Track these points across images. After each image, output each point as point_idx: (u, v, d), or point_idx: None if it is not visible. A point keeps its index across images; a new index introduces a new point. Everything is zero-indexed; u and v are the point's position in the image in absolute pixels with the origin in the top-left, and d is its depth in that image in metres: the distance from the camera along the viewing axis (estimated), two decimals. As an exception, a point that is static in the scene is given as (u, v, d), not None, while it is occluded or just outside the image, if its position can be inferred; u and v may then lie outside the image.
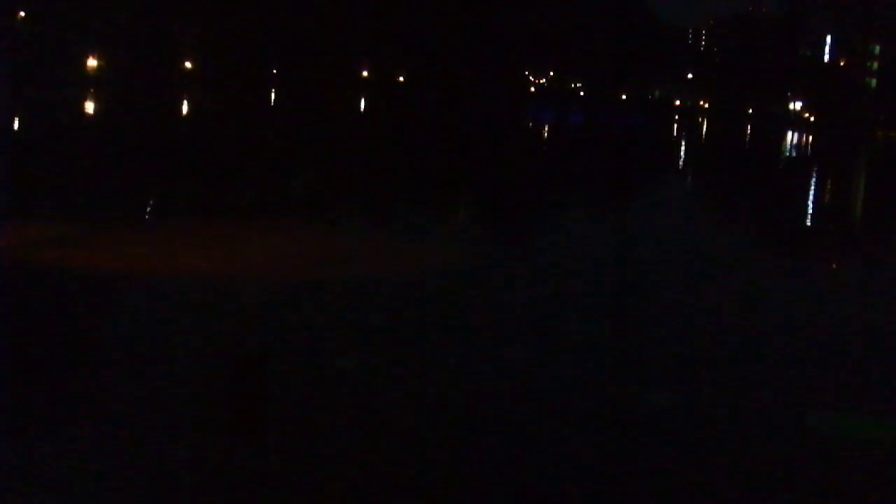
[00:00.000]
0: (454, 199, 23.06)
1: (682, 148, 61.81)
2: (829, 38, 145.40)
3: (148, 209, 17.69)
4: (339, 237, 15.49)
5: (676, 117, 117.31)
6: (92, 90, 54.64)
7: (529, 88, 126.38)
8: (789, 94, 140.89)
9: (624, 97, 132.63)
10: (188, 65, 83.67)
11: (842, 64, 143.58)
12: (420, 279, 12.32)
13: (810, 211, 28.14)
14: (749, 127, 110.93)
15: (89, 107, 46.58)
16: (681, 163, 47.00)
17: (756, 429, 7.65)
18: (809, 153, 69.90)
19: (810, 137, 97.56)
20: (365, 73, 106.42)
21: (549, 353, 9.23)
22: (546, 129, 66.99)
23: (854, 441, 7.60)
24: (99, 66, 70.65)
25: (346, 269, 12.45)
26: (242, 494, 5.82)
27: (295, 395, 7.52)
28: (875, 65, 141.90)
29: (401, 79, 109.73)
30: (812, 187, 38.60)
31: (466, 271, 13.11)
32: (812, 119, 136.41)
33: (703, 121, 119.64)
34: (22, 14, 67.47)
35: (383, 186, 24.02)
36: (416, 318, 10.29)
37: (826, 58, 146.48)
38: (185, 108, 52.23)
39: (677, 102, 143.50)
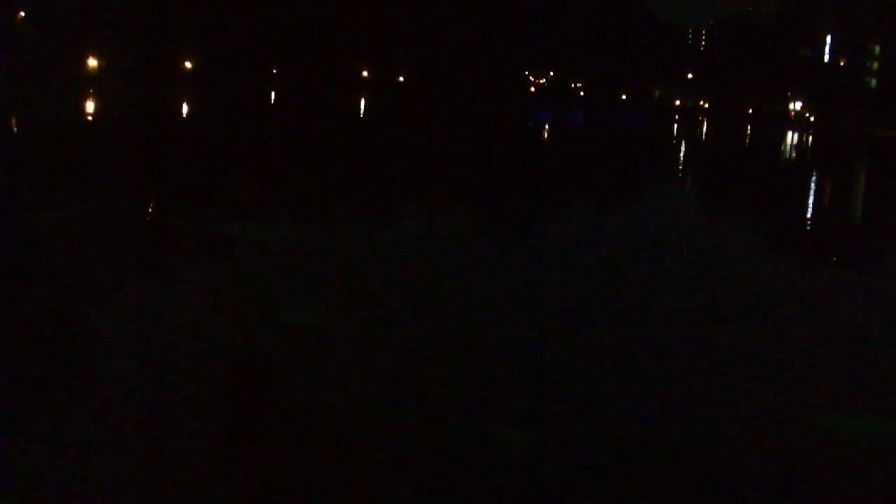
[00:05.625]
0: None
1: (682, 148, 61.78)
2: (829, 38, 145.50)
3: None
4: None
5: (676, 117, 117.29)
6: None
7: (529, 88, 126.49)
8: (789, 94, 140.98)
9: (624, 97, 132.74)
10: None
11: (842, 64, 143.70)
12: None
13: (810, 211, 28.14)
14: (749, 127, 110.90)
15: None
16: (680, 164, 46.96)
17: (757, 428, 7.65)
18: (809, 154, 69.86)
19: (810, 137, 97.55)
20: (365, 73, 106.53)
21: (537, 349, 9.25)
22: (546, 128, 66.98)
23: (854, 441, 7.61)
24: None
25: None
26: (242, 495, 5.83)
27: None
28: (875, 65, 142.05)
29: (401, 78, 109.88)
30: (812, 189, 38.60)
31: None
32: (812, 119, 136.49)
33: (703, 120, 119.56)
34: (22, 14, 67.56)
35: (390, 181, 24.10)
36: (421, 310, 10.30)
37: (826, 58, 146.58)
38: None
39: (677, 102, 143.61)
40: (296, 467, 6.27)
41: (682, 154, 54.59)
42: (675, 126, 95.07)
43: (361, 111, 66.96)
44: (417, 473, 6.32)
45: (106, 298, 10.15)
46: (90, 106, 46.16)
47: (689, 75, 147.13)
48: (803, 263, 17.43)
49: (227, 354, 8.36)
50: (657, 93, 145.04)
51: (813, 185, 40.17)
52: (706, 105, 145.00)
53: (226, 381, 7.76)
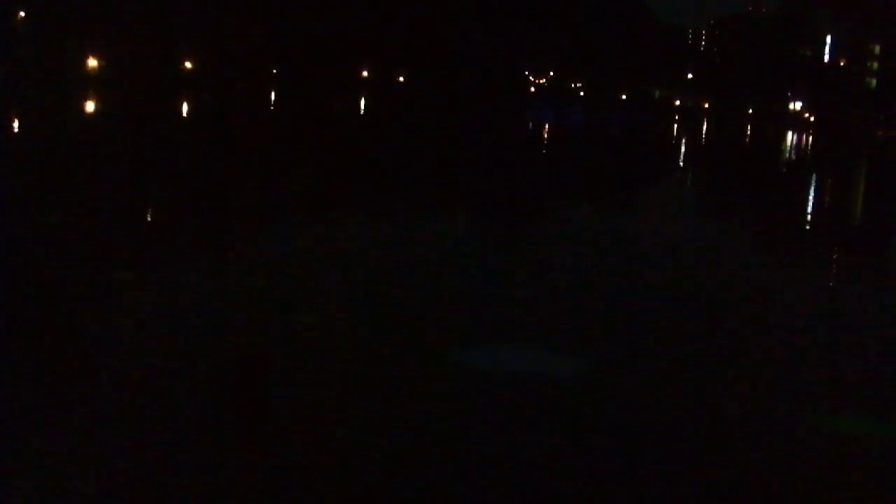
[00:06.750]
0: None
1: (682, 148, 61.84)
2: (829, 38, 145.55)
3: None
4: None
5: (676, 117, 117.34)
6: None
7: (529, 88, 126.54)
8: (789, 94, 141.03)
9: (624, 97, 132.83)
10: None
11: (842, 64, 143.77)
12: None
13: (810, 211, 28.12)
14: (749, 127, 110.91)
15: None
16: (680, 164, 47.03)
17: (756, 428, 7.63)
18: (809, 154, 69.89)
19: (810, 138, 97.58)
20: (365, 73, 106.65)
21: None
22: (546, 128, 67.05)
23: (854, 441, 7.60)
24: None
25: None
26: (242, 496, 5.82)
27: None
28: (875, 65, 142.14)
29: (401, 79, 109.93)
30: (812, 189, 38.61)
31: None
32: (812, 119, 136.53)
33: (703, 120, 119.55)
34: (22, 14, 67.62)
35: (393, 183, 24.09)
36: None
37: (826, 58, 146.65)
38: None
39: (677, 102, 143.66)
40: (294, 468, 6.25)
41: (682, 154, 54.62)
42: (675, 126, 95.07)
43: (361, 111, 66.96)
44: (417, 474, 6.31)
45: (105, 300, 10.13)
46: (90, 105, 46.18)
47: (689, 75, 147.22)
48: (807, 263, 17.41)
49: (227, 355, 8.34)
50: (657, 93, 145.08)
51: (813, 186, 40.15)
52: (706, 105, 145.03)
53: (224, 381, 7.74)
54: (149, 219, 16.30)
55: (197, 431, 6.63)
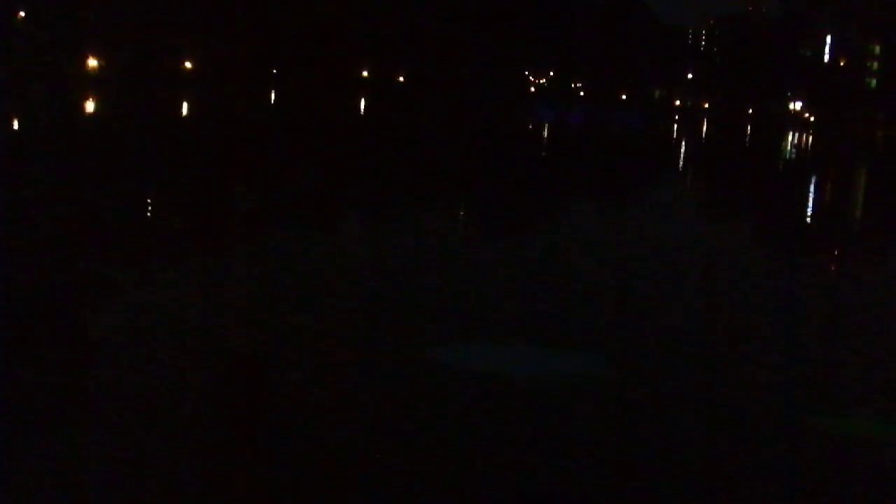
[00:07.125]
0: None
1: (682, 148, 61.89)
2: (829, 38, 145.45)
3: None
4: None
5: (676, 117, 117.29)
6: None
7: (529, 88, 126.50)
8: (789, 94, 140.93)
9: (624, 97, 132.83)
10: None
11: (842, 64, 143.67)
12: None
13: (810, 211, 28.13)
14: (749, 127, 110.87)
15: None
16: (681, 164, 47.07)
17: (755, 428, 7.63)
18: (809, 154, 69.91)
19: (810, 138, 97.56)
20: (365, 73, 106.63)
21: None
22: (546, 128, 67.07)
23: (854, 441, 7.59)
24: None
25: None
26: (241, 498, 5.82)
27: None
28: (875, 65, 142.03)
29: (401, 79, 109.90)
30: (812, 189, 38.63)
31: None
32: (812, 119, 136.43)
33: (703, 120, 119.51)
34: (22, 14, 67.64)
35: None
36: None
37: (826, 58, 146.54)
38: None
39: (677, 102, 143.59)
40: (293, 469, 6.25)
41: (682, 154, 54.61)
42: (675, 126, 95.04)
43: (361, 111, 66.96)
44: (417, 474, 6.30)
45: (103, 301, 10.13)
46: (90, 105, 46.17)
47: (689, 75, 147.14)
48: (811, 263, 17.41)
49: (225, 356, 8.33)
50: (657, 93, 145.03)
51: (812, 186, 40.15)
52: (706, 105, 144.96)
53: (222, 382, 7.73)
54: (147, 220, 16.29)
55: (195, 431, 6.63)
